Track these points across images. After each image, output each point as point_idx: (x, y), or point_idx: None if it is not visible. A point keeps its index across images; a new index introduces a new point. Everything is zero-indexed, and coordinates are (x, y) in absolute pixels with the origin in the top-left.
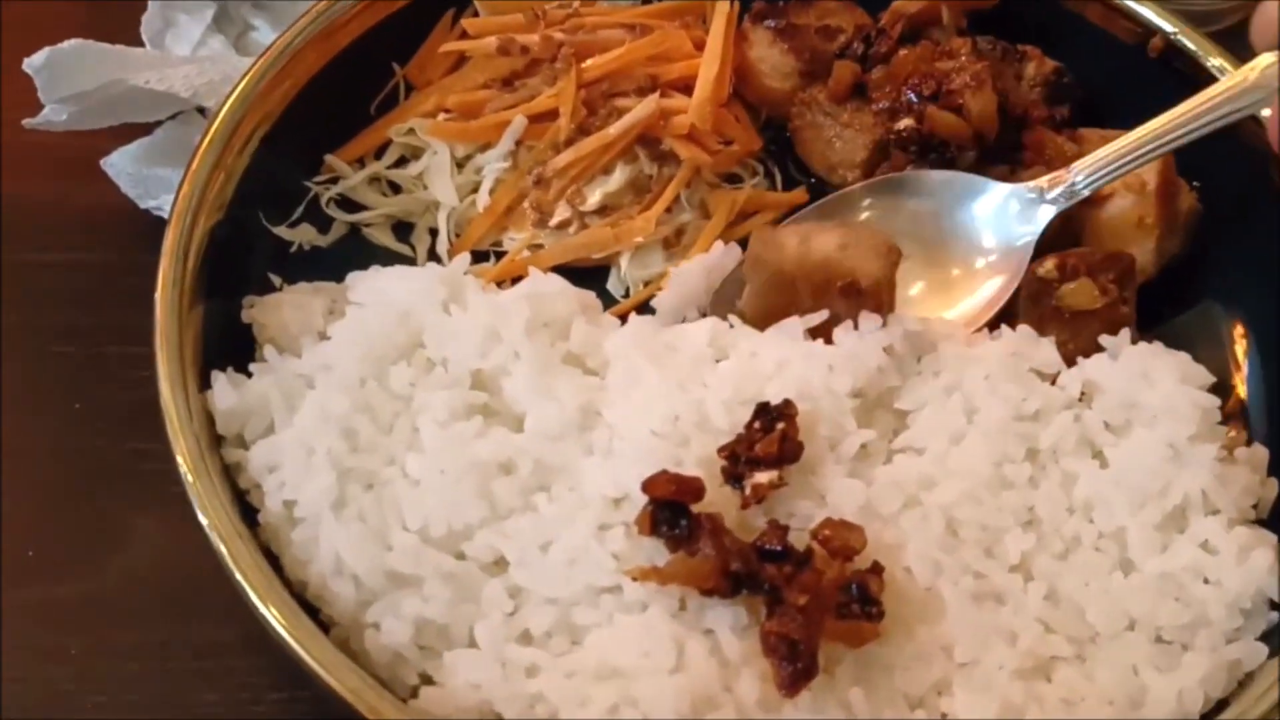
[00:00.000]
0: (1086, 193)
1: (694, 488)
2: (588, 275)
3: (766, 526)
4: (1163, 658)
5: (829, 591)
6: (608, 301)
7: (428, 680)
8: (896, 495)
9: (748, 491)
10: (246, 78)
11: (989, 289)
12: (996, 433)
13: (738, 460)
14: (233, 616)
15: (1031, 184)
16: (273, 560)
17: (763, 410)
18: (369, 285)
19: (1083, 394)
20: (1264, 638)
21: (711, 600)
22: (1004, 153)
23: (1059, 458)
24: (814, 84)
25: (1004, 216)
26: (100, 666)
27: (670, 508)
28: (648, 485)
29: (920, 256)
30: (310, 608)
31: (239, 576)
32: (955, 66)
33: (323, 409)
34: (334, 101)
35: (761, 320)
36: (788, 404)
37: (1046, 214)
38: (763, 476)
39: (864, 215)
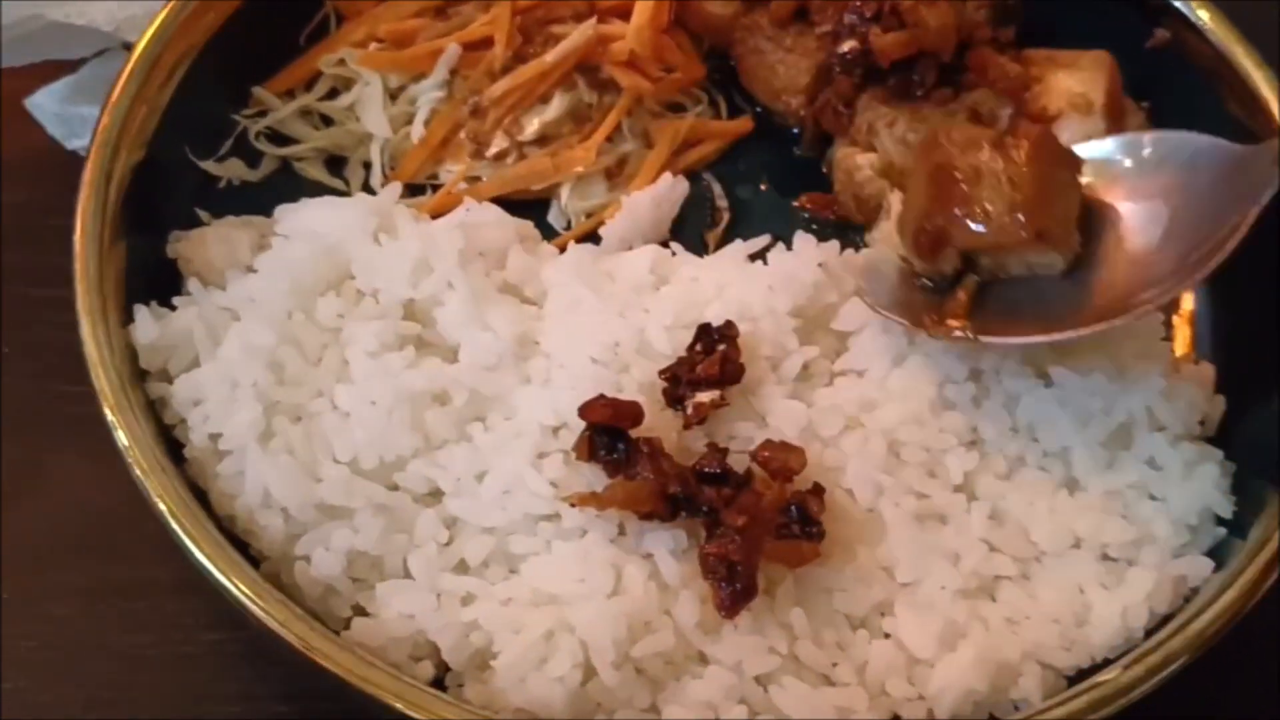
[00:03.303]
0: None
1: (631, 412)
2: (527, 208)
3: (706, 449)
4: (1108, 575)
5: (768, 513)
6: (548, 235)
7: (360, 612)
8: (837, 417)
9: (689, 412)
10: (169, 7)
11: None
12: (939, 353)
13: (679, 382)
14: (164, 557)
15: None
16: (200, 496)
17: (704, 331)
18: (297, 217)
19: None
20: (1210, 553)
21: (650, 524)
22: (945, 74)
23: (1002, 378)
24: (756, 8)
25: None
26: (28, 610)
27: (608, 432)
28: (584, 410)
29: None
30: (240, 543)
31: (163, 510)
32: None
33: (247, 341)
34: (262, 32)
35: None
36: (729, 325)
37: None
38: (704, 396)
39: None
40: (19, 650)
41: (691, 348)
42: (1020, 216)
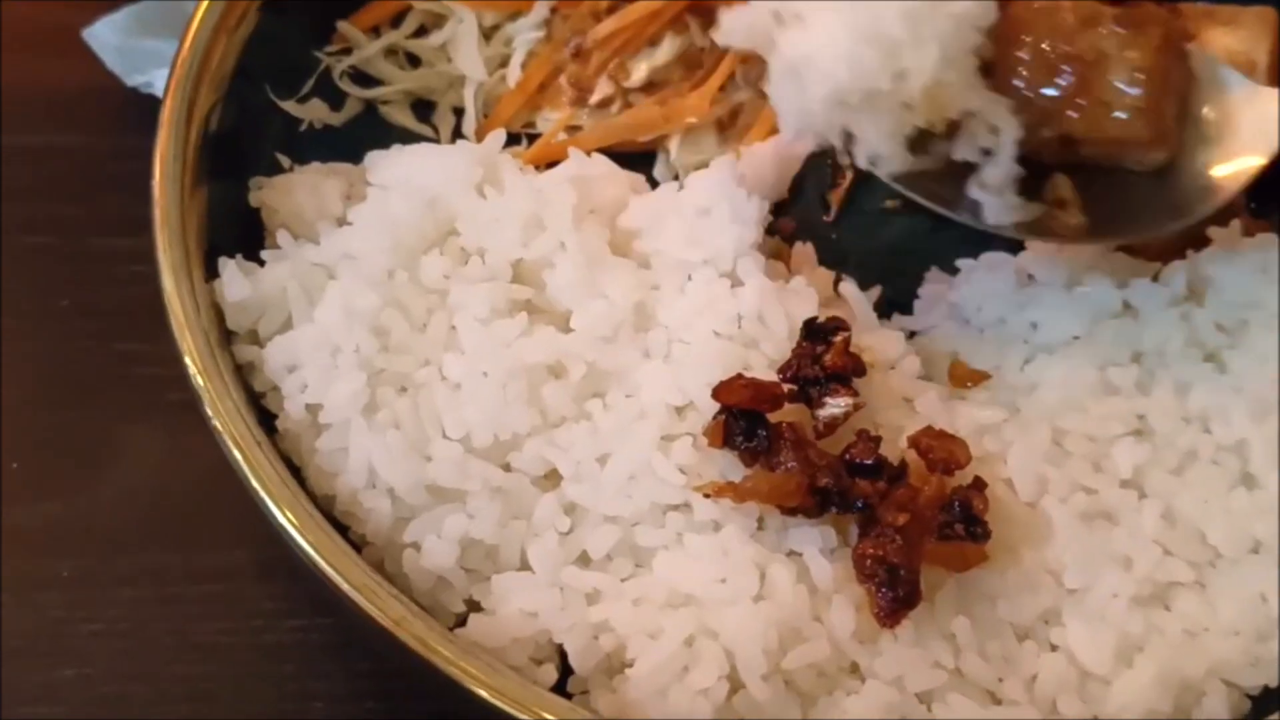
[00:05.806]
0: None
1: (772, 394)
2: (631, 161)
3: (855, 437)
4: None
5: (928, 510)
6: None
7: (474, 607)
8: (994, 403)
9: (820, 429)
10: None
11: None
12: (1096, 332)
13: (805, 382)
14: (244, 537)
15: None
16: (294, 472)
17: (810, 331)
18: (392, 166)
19: (1193, 292)
20: None
21: (793, 520)
22: None
23: (1169, 362)
24: None
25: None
26: (93, 592)
27: (746, 417)
28: (720, 391)
29: None
30: (338, 526)
31: (259, 489)
32: None
33: (347, 303)
34: None
35: None
36: (834, 321)
37: None
38: (836, 407)
39: None
40: (83, 634)
41: (799, 345)
42: (1144, 115)
